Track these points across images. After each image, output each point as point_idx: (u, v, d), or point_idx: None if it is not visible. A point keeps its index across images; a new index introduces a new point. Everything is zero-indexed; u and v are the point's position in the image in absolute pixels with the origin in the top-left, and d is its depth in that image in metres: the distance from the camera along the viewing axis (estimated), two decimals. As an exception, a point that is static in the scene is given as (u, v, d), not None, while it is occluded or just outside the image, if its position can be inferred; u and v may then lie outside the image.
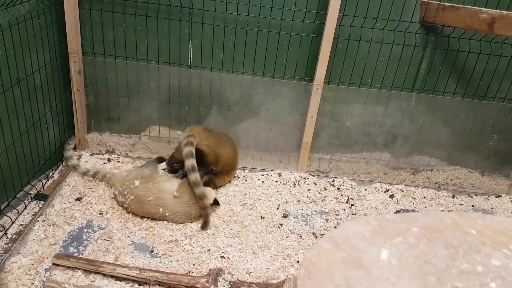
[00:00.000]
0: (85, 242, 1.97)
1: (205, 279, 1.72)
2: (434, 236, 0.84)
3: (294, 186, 2.62)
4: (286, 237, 2.14)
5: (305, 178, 2.70)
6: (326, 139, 2.75)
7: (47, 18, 2.22)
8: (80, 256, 1.87)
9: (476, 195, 2.78)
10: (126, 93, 2.61)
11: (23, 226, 1.98)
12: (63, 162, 2.53)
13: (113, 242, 1.98)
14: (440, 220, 0.89)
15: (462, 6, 2.22)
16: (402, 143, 2.78)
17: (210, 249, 1.99)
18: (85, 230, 2.04)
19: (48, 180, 2.34)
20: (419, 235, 0.84)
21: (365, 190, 2.67)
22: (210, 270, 1.81)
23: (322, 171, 2.81)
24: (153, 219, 2.15)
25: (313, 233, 2.20)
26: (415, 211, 2.51)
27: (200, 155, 2.28)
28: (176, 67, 2.55)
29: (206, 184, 2.31)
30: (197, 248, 1.99)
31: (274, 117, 2.68)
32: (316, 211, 2.39)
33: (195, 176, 2.12)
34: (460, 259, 0.78)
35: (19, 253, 1.84)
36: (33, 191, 2.19)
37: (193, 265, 1.88)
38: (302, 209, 2.40)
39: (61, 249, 1.91)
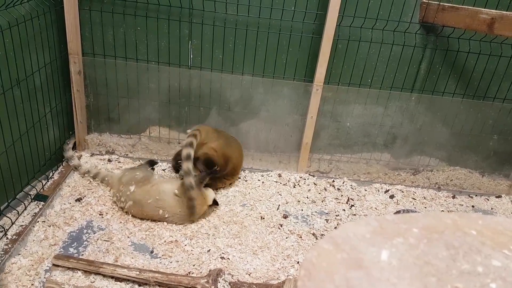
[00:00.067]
0: (85, 243, 1.97)
1: (205, 280, 1.72)
2: (434, 237, 0.84)
3: (294, 187, 2.62)
4: (286, 238, 2.14)
5: (305, 179, 2.70)
6: (326, 140, 2.75)
7: (47, 19, 2.22)
8: (80, 257, 1.87)
9: (476, 195, 2.78)
10: (126, 94, 2.61)
11: (23, 227, 1.98)
12: (63, 162, 2.53)
13: (113, 242, 1.97)
14: (440, 221, 0.89)
15: (462, 6, 2.22)
16: (402, 143, 2.78)
17: (210, 249, 1.99)
18: (85, 231, 2.04)
19: (48, 181, 2.34)
20: (420, 235, 0.84)
21: (365, 190, 2.67)
22: (210, 270, 1.81)
23: (322, 171, 2.81)
24: (153, 220, 2.14)
25: (313, 234, 2.20)
26: (415, 211, 2.51)
27: (210, 162, 2.32)
28: (176, 67, 2.55)
29: (209, 185, 2.31)
30: (197, 248, 1.99)
31: (274, 117, 2.68)
32: (316, 212, 2.39)
33: (188, 166, 2.12)
34: (460, 259, 0.78)
35: (19, 254, 1.84)
36: (33, 192, 2.19)
37: (193, 265, 1.88)
38: (302, 210, 2.39)
39: (61, 250, 1.91)
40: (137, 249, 1.96)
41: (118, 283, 1.76)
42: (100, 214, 2.15)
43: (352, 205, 2.49)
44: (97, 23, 2.45)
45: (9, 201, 2.00)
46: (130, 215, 2.16)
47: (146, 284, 1.74)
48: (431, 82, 2.62)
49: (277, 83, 2.58)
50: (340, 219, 2.35)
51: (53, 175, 2.40)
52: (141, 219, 2.14)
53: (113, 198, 2.23)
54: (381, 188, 2.71)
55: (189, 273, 1.84)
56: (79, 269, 1.78)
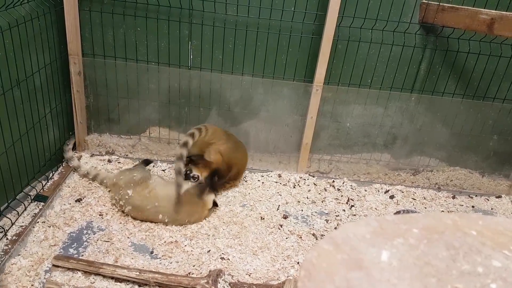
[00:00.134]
0: (85, 243, 1.97)
1: (205, 280, 1.72)
2: (434, 237, 0.84)
3: (294, 187, 2.62)
4: (286, 238, 2.14)
5: (305, 179, 2.70)
6: (326, 140, 2.75)
7: (47, 19, 2.22)
8: (80, 257, 1.87)
9: (476, 195, 2.78)
10: (126, 94, 2.61)
11: (23, 227, 1.98)
12: (63, 163, 2.53)
13: (113, 243, 1.97)
14: (441, 221, 0.89)
15: (462, 6, 2.22)
16: (402, 143, 2.78)
17: (210, 250, 1.99)
18: (85, 231, 2.04)
19: (48, 182, 2.34)
20: (420, 236, 0.84)
21: (365, 190, 2.67)
22: (210, 271, 1.81)
23: (322, 172, 2.81)
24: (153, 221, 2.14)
25: (313, 234, 2.20)
26: (415, 211, 2.51)
27: (215, 173, 2.34)
28: (176, 68, 2.55)
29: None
30: (197, 249, 1.99)
31: (274, 118, 2.68)
32: (316, 212, 2.39)
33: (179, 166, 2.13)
34: (460, 260, 0.78)
35: (19, 255, 1.84)
36: (33, 193, 2.18)
37: (193, 266, 1.88)
38: (302, 210, 2.39)
39: (61, 250, 1.91)
40: (137, 250, 1.96)
41: (118, 283, 1.75)
42: (100, 215, 2.15)
43: (352, 206, 2.49)
44: (97, 24, 2.45)
45: (9, 202, 2.00)
46: (130, 217, 2.16)
47: (146, 284, 1.74)
48: (431, 83, 2.62)
49: (277, 83, 2.58)
50: (340, 220, 2.35)
51: (53, 175, 2.40)
52: (141, 220, 2.14)
53: (112, 200, 2.23)
54: (381, 188, 2.71)
55: (189, 273, 1.83)
56: (79, 270, 1.78)
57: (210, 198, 2.21)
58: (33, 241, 1.93)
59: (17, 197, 2.06)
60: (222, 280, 1.77)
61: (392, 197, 2.62)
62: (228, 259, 1.94)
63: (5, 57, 1.88)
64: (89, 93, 2.60)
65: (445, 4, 2.29)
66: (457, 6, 2.24)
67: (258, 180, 2.63)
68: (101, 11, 2.41)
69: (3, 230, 1.90)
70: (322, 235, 2.21)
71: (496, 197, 2.79)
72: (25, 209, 2.08)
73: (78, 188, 2.34)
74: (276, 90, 2.60)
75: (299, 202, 2.47)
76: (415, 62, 2.56)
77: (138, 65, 2.54)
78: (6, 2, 1.83)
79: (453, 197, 2.72)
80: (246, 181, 2.62)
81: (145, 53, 2.53)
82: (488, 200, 2.75)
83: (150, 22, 2.44)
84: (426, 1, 2.38)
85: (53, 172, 2.42)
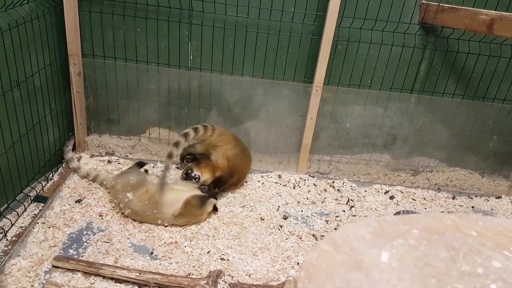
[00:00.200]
0: (85, 244, 1.97)
1: (205, 281, 1.72)
2: (434, 238, 0.84)
3: (294, 188, 2.62)
4: (286, 239, 2.14)
5: (305, 180, 2.70)
6: (325, 141, 2.75)
7: (47, 20, 2.22)
8: (80, 258, 1.87)
9: (476, 196, 2.78)
10: (126, 95, 2.61)
11: (22, 228, 1.98)
12: (63, 164, 2.53)
13: (113, 244, 1.97)
14: (441, 222, 0.89)
15: (461, 7, 2.22)
16: (402, 144, 2.78)
17: (210, 251, 1.99)
18: (84, 232, 2.04)
19: (47, 182, 2.34)
20: (420, 237, 0.84)
21: (365, 191, 2.67)
22: (210, 272, 1.81)
23: (322, 172, 2.81)
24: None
25: (313, 235, 2.20)
26: (415, 212, 2.51)
27: (220, 181, 2.35)
28: (176, 69, 2.55)
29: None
30: (197, 250, 1.99)
31: (274, 118, 2.68)
32: (316, 213, 2.39)
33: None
34: (460, 261, 0.78)
35: (18, 255, 1.84)
36: (32, 193, 2.18)
37: (193, 267, 1.88)
38: (302, 211, 2.39)
39: (61, 251, 1.91)
40: (137, 251, 1.96)
41: (118, 284, 1.75)
42: (100, 216, 2.15)
43: (352, 206, 2.49)
44: (97, 25, 2.45)
45: (8, 203, 2.00)
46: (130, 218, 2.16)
47: (146, 285, 1.74)
48: (430, 83, 2.63)
49: (277, 84, 2.58)
50: (340, 220, 2.35)
51: (52, 176, 2.40)
52: (141, 222, 2.14)
53: (111, 203, 2.22)
54: (381, 189, 2.71)
55: (189, 274, 1.83)
56: (79, 271, 1.78)
57: (210, 203, 2.20)
58: (33, 242, 1.93)
59: (17, 198, 2.06)
60: (222, 281, 1.77)
61: (392, 197, 2.62)
62: (228, 259, 1.94)
63: (5, 58, 1.88)
64: (89, 94, 2.60)
65: (444, 5, 2.29)
66: (456, 6, 2.25)
67: (258, 181, 2.63)
68: (101, 12, 2.41)
69: (3, 231, 1.90)
70: (322, 236, 2.21)
71: (496, 198, 2.79)
72: (25, 210, 2.08)
73: (78, 189, 2.34)
74: (276, 91, 2.60)
75: (299, 202, 2.47)
76: (415, 62, 2.57)
77: (138, 66, 2.54)
78: (6, 2, 1.83)
79: (453, 198, 2.72)
80: (246, 182, 2.62)
81: (145, 53, 2.53)
82: (488, 200, 2.75)
83: (150, 22, 2.44)
84: (426, 2, 2.38)
85: (53, 173, 2.42)
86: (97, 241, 1.98)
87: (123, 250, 1.94)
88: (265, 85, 2.58)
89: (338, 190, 2.65)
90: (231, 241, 2.07)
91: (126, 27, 2.46)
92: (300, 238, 2.16)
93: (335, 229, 2.28)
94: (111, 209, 2.20)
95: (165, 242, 2.02)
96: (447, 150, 2.80)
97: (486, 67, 2.55)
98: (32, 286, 1.70)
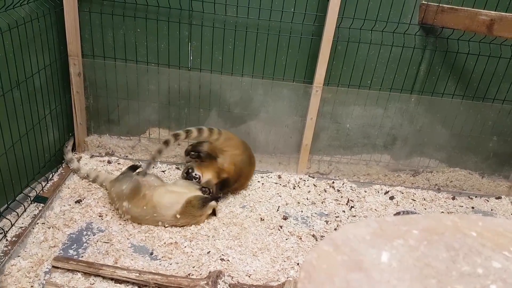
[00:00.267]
0: (84, 244, 1.97)
1: (205, 282, 1.72)
2: (434, 239, 0.84)
3: (294, 188, 2.62)
4: (286, 239, 2.14)
5: (305, 180, 2.70)
6: (325, 141, 2.75)
7: (47, 20, 2.23)
8: (80, 258, 1.87)
9: (476, 196, 2.78)
10: (126, 95, 2.61)
11: (22, 228, 1.98)
12: (63, 164, 2.53)
13: (112, 244, 1.97)
14: (440, 222, 0.89)
15: (461, 7, 2.22)
16: (402, 144, 2.78)
17: (210, 251, 1.99)
18: (84, 232, 2.04)
19: (47, 183, 2.34)
20: (420, 237, 0.84)
21: (365, 192, 2.67)
22: (210, 272, 1.81)
23: (322, 173, 2.81)
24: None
25: (313, 235, 2.20)
26: (415, 212, 2.51)
27: (226, 183, 2.35)
28: (176, 69, 2.55)
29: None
30: (196, 250, 1.99)
31: (274, 119, 2.68)
32: (316, 213, 2.39)
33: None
34: (460, 261, 0.78)
35: (18, 256, 1.84)
36: (32, 194, 2.18)
37: (193, 267, 1.88)
38: (302, 211, 2.39)
39: (61, 251, 1.91)
40: (136, 251, 1.96)
41: (118, 285, 1.75)
42: (99, 216, 2.15)
43: (352, 207, 2.49)
44: (96, 25, 2.45)
45: (8, 203, 2.00)
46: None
47: (145, 286, 1.74)
48: (430, 83, 2.63)
49: (277, 84, 2.58)
50: (340, 221, 2.35)
51: (52, 176, 2.40)
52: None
53: (111, 206, 2.22)
54: (381, 189, 2.71)
55: (188, 275, 1.83)
56: (78, 271, 1.78)
57: (211, 207, 2.20)
58: (33, 242, 1.93)
59: (17, 198, 2.06)
60: (222, 281, 1.77)
61: (392, 198, 2.62)
62: (228, 260, 1.94)
63: (5, 58, 1.88)
64: (89, 94, 2.60)
65: (444, 5, 2.30)
66: (456, 7, 2.25)
67: (258, 181, 2.63)
68: (101, 12, 2.41)
69: (2, 231, 1.89)
70: (322, 236, 2.21)
71: (496, 198, 2.79)
72: (25, 210, 2.08)
73: (77, 189, 2.34)
74: (275, 91, 2.60)
75: (299, 203, 2.47)
76: (415, 63, 2.57)
77: (138, 66, 2.54)
78: (6, 3, 1.83)
79: (453, 198, 2.72)
80: (249, 185, 2.62)
81: (145, 54, 2.53)
82: (488, 201, 2.75)
83: (150, 23, 2.45)
84: (426, 2, 2.38)
85: (53, 173, 2.42)
86: (97, 241, 1.98)
87: (123, 250, 1.94)
88: (265, 85, 2.59)
89: (338, 190, 2.65)
90: (231, 242, 2.07)
91: (126, 27, 2.46)
92: (300, 238, 2.16)
93: (335, 229, 2.28)
94: (111, 210, 2.20)
95: (165, 243, 2.02)
96: (447, 150, 2.80)
97: (486, 68, 2.55)
98: (32, 286, 1.70)
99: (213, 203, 2.19)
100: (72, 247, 1.94)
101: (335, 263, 0.76)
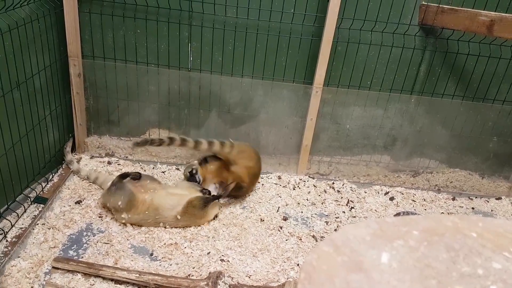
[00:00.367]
0: (84, 245, 1.97)
1: (205, 282, 1.72)
2: (434, 239, 0.84)
3: (293, 189, 2.62)
4: (286, 240, 2.14)
5: (304, 181, 2.70)
6: (325, 142, 2.75)
7: (47, 21, 2.23)
8: (80, 259, 1.87)
9: (476, 197, 2.78)
10: (126, 96, 2.61)
11: (22, 229, 1.98)
12: (63, 165, 2.53)
13: (112, 245, 1.97)
14: (441, 223, 0.89)
15: (461, 8, 2.23)
16: (402, 145, 2.78)
17: (210, 252, 1.99)
18: (84, 233, 2.04)
19: (47, 183, 2.34)
20: (420, 238, 0.84)
21: (365, 192, 2.67)
22: (210, 273, 1.80)
23: (322, 173, 2.81)
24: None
25: (313, 236, 2.20)
26: (415, 213, 2.51)
27: (239, 188, 2.34)
28: (176, 70, 2.55)
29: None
30: (196, 251, 1.99)
31: (274, 119, 2.68)
32: (316, 214, 2.39)
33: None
34: (460, 262, 0.78)
35: (18, 257, 1.84)
36: (32, 194, 2.18)
37: (193, 268, 1.88)
38: (302, 212, 2.39)
39: (61, 252, 1.91)
40: (136, 252, 1.96)
41: (118, 285, 1.75)
42: (99, 217, 2.15)
43: (352, 207, 2.49)
44: (97, 26, 2.45)
45: (9, 204, 2.00)
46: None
47: (146, 286, 1.74)
48: (430, 84, 2.63)
49: (277, 85, 2.58)
50: (340, 221, 2.35)
51: (52, 177, 2.40)
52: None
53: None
54: (381, 190, 2.71)
55: (188, 275, 1.83)
56: (78, 272, 1.78)
57: (213, 211, 2.19)
58: (33, 243, 1.93)
59: (17, 199, 2.06)
60: (222, 282, 1.77)
61: (392, 199, 2.62)
62: (228, 261, 1.94)
63: (5, 59, 1.88)
64: (88, 95, 2.60)
65: (444, 6, 2.30)
66: (456, 7, 2.25)
67: (258, 182, 2.63)
68: (101, 13, 2.41)
69: (2, 232, 1.89)
70: (322, 237, 2.21)
71: (496, 199, 2.79)
72: (25, 211, 2.08)
73: (77, 190, 2.34)
74: (275, 92, 2.60)
75: (299, 204, 2.47)
76: (415, 63, 2.57)
77: (138, 67, 2.54)
78: (6, 4, 1.84)
79: (453, 199, 2.72)
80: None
81: (145, 55, 2.53)
82: (488, 202, 2.75)
83: (150, 24, 2.45)
84: (426, 3, 2.38)
85: (53, 174, 2.42)
86: (97, 242, 1.98)
87: (123, 251, 1.94)
88: (265, 86, 2.59)
89: (338, 191, 2.65)
90: (231, 242, 2.07)
91: (126, 28, 2.46)
92: (300, 239, 2.16)
93: (335, 230, 2.28)
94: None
95: (165, 243, 2.02)
96: (447, 151, 2.80)
97: (486, 68, 2.56)
98: (32, 287, 1.70)
99: (215, 209, 2.19)
100: (72, 248, 1.94)
101: (335, 264, 0.76)
